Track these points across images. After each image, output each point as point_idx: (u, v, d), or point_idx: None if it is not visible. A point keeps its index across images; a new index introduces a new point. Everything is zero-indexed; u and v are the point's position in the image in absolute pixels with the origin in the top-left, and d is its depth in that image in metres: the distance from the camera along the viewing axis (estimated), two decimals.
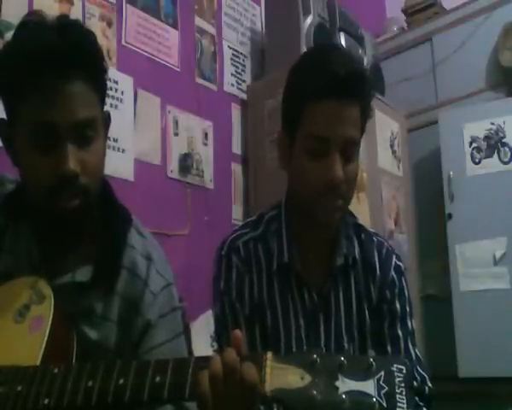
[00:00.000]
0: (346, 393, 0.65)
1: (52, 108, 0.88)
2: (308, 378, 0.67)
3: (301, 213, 1.14)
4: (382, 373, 0.66)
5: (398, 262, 1.22)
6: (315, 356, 0.68)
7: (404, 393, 0.65)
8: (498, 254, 2.63)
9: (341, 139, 1.04)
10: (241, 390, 0.69)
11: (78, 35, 0.92)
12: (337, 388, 0.65)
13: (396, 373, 0.66)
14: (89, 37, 0.94)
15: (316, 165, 1.05)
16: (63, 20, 0.95)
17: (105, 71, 0.98)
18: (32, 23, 0.93)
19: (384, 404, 0.64)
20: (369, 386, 0.65)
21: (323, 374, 0.67)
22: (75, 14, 1.88)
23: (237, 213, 2.57)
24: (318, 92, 1.04)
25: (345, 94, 1.04)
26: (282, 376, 0.68)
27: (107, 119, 1.01)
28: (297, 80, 1.11)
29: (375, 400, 0.64)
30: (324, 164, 1.04)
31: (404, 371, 0.66)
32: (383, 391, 0.64)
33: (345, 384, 0.65)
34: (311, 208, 1.08)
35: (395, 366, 0.67)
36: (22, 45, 0.89)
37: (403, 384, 0.65)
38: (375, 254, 1.20)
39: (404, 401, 0.64)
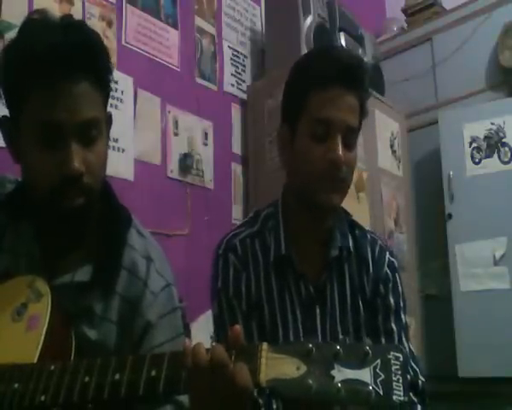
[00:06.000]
0: (341, 382, 0.64)
1: (58, 107, 0.88)
2: (304, 368, 0.66)
3: (301, 204, 1.16)
4: (379, 361, 0.65)
5: (391, 258, 1.24)
6: (310, 346, 0.67)
7: (400, 381, 0.64)
8: (498, 254, 2.63)
9: (344, 124, 1.09)
10: (232, 390, 0.69)
11: (84, 35, 0.92)
12: (333, 377, 0.65)
13: (392, 361, 0.65)
14: (94, 37, 0.94)
15: (319, 148, 1.09)
16: (68, 19, 0.95)
17: (110, 71, 0.98)
18: (37, 22, 0.93)
19: (380, 392, 0.63)
20: (365, 374, 0.64)
21: (319, 363, 0.66)
22: (75, 14, 1.88)
23: (237, 213, 2.57)
24: (323, 78, 1.09)
25: (348, 81, 1.09)
26: (277, 366, 0.68)
27: (109, 119, 1.02)
28: (301, 70, 1.16)
29: (371, 388, 0.63)
30: (327, 145, 1.09)
31: (401, 358, 0.66)
32: (379, 379, 0.64)
33: (341, 373, 0.65)
34: (312, 190, 1.11)
35: (392, 353, 0.66)
36: (27, 44, 0.89)
37: (399, 372, 0.65)
38: (368, 250, 1.22)
39: (401, 389, 0.63)
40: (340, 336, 1.15)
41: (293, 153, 1.14)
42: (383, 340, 1.17)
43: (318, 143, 1.09)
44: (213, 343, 0.75)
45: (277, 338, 1.13)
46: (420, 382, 1.16)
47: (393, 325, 1.18)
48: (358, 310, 1.18)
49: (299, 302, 1.15)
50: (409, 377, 1.11)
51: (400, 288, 1.23)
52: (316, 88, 1.10)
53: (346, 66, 1.09)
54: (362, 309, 1.18)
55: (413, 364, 1.17)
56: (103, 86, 0.96)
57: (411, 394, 1.11)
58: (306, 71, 1.14)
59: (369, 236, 1.25)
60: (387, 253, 1.25)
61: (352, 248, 1.20)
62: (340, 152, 1.07)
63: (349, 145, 1.11)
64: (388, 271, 1.22)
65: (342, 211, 1.24)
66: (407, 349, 1.18)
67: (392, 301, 1.20)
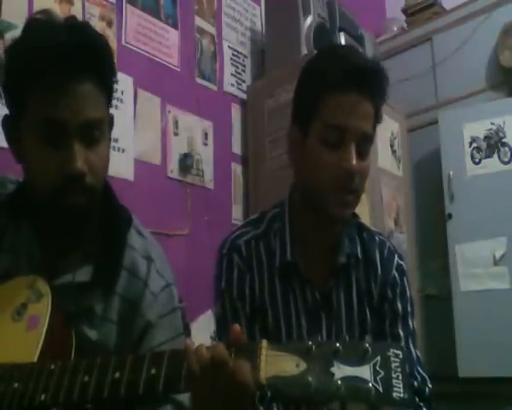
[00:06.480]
0: (341, 379, 0.64)
1: (62, 106, 0.88)
2: (303, 365, 0.66)
3: (310, 209, 1.13)
4: (378, 358, 0.65)
5: (400, 261, 1.22)
6: (310, 343, 0.68)
7: (400, 378, 0.64)
8: (498, 254, 2.63)
9: (359, 131, 1.05)
10: (233, 388, 0.69)
11: (89, 36, 0.93)
12: (332, 374, 0.65)
13: (392, 358, 0.65)
14: (99, 38, 0.95)
15: (332, 155, 1.05)
16: (72, 20, 0.96)
17: (114, 73, 0.98)
18: (41, 22, 0.93)
19: (380, 389, 0.63)
20: (364, 371, 0.65)
21: (319, 361, 0.66)
22: (75, 14, 1.88)
23: (237, 213, 2.57)
24: (340, 83, 1.05)
25: (365, 87, 1.05)
26: (277, 363, 0.68)
27: (111, 121, 1.02)
28: (316, 71, 1.11)
29: (371, 385, 0.63)
30: (341, 154, 1.05)
31: (401, 355, 0.66)
32: (379, 376, 0.64)
33: (340, 370, 0.65)
34: (324, 202, 1.07)
35: (391, 350, 0.66)
36: (32, 44, 0.89)
37: (399, 369, 0.65)
38: (377, 253, 1.20)
39: (401, 386, 0.63)
40: None
41: (304, 155, 1.10)
42: None
43: (331, 149, 1.05)
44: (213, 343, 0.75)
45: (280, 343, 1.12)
46: (427, 389, 1.14)
47: (400, 331, 1.16)
48: (365, 317, 1.16)
49: (304, 309, 1.13)
50: (416, 383, 1.10)
51: (408, 292, 1.21)
52: (331, 92, 1.05)
53: (364, 71, 1.05)
54: (368, 316, 1.16)
55: (420, 370, 1.15)
56: (107, 87, 0.96)
57: (417, 399, 1.10)
58: (322, 72, 1.09)
59: (377, 238, 1.22)
60: (396, 255, 1.22)
61: (360, 254, 1.17)
62: (354, 161, 1.04)
63: (363, 154, 1.07)
64: (396, 274, 1.19)
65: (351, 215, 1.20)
66: (414, 356, 1.16)
67: (399, 306, 1.18)
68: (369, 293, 1.17)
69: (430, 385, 1.15)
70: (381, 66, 1.11)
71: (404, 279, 1.21)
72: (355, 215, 1.23)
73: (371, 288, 1.17)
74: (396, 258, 1.22)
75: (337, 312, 1.14)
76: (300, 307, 1.13)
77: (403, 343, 1.15)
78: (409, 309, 1.19)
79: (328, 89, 1.06)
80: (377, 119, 1.11)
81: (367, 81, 1.05)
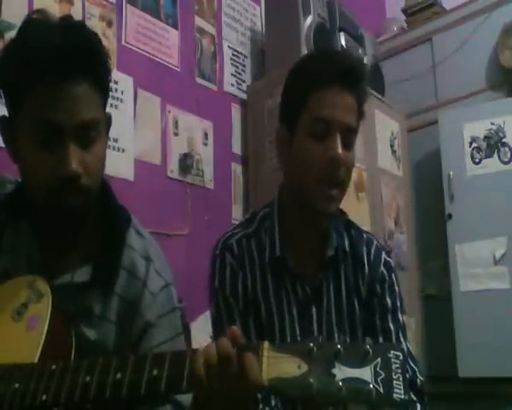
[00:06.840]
0: (342, 380, 0.65)
1: (57, 107, 0.88)
2: (305, 367, 0.67)
3: (297, 205, 1.17)
4: (379, 360, 0.66)
5: (387, 258, 1.25)
6: (311, 345, 0.68)
7: (400, 379, 0.65)
8: (498, 254, 2.63)
9: (344, 124, 1.10)
10: (240, 385, 0.69)
11: (84, 36, 0.92)
12: (334, 375, 0.65)
13: (393, 360, 0.66)
14: (94, 38, 0.94)
15: (318, 146, 1.10)
16: (67, 20, 0.95)
17: (109, 73, 0.98)
18: (37, 22, 0.93)
19: (381, 390, 0.64)
20: (365, 373, 0.65)
21: (320, 362, 0.67)
22: (75, 14, 1.88)
23: (237, 213, 2.57)
24: (324, 78, 1.10)
25: (348, 81, 1.10)
26: (278, 365, 0.68)
27: (108, 120, 1.02)
28: (302, 70, 1.17)
29: (371, 386, 0.64)
30: (326, 144, 1.09)
31: (401, 357, 0.66)
32: (380, 378, 0.65)
33: (341, 372, 0.66)
34: (310, 197, 1.11)
35: (392, 352, 0.67)
36: (27, 44, 0.89)
37: (399, 371, 0.65)
38: (364, 249, 1.23)
39: (401, 387, 0.64)
40: (336, 335, 1.16)
41: (292, 153, 1.14)
42: (381, 339, 1.18)
43: (318, 141, 1.10)
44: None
45: (274, 337, 1.14)
46: (418, 381, 1.16)
47: (391, 325, 1.19)
48: (354, 310, 1.19)
49: (295, 302, 1.16)
50: (407, 376, 1.12)
51: (397, 288, 1.24)
52: (316, 87, 1.10)
53: (347, 66, 1.11)
54: (357, 309, 1.19)
55: (411, 363, 1.18)
56: (102, 87, 0.96)
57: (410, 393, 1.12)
58: (307, 71, 1.15)
59: (365, 235, 1.25)
60: (383, 253, 1.25)
61: (347, 248, 1.20)
62: (340, 150, 1.08)
63: (347, 145, 1.11)
64: (384, 270, 1.22)
65: (338, 210, 1.23)
66: (405, 349, 1.18)
67: (388, 301, 1.20)
68: (356, 288, 1.20)
69: (421, 377, 1.18)
70: (363, 63, 1.16)
71: (392, 275, 1.24)
72: (343, 213, 1.26)
73: (359, 285, 1.20)
74: (383, 255, 1.24)
75: (327, 305, 1.17)
76: (292, 302, 1.16)
77: (393, 337, 1.18)
78: (398, 304, 1.22)
79: (314, 84, 1.11)
80: (361, 114, 1.15)
81: (350, 75, 1.11)
